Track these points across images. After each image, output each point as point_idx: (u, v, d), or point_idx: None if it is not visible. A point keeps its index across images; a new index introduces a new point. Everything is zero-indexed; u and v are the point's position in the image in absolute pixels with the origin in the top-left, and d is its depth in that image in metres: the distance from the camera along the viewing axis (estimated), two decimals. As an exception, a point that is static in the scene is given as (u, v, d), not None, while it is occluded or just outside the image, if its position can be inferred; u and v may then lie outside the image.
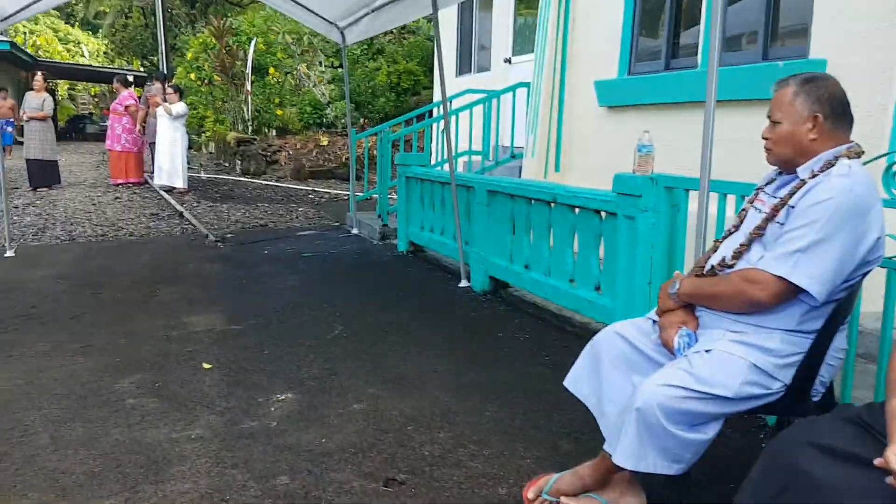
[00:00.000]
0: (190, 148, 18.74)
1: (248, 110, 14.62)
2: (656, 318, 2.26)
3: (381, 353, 3.88)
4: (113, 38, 33.83)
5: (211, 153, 16.32)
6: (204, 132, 17.53)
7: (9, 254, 6.47)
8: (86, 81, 34.73)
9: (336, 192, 11.37)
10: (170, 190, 10.69)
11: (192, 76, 17.01)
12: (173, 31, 27.76)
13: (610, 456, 2.10)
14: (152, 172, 11.32)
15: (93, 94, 40.08)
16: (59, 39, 38.47)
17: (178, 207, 9.25)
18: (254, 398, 3.28)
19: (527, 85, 7.55)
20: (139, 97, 12.21)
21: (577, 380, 2.37)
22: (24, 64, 25.26)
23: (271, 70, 16.40)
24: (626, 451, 1.98)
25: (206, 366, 3.72)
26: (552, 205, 4.29)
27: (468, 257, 5.28)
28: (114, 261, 6.37)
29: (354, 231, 7.87)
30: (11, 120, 14.11)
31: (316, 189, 11.53)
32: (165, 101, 10.92)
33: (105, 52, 36.68)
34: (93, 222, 8.41)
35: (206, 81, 16.43)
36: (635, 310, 3.52)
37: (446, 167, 8.20)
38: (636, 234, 3.53)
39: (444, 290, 5.27)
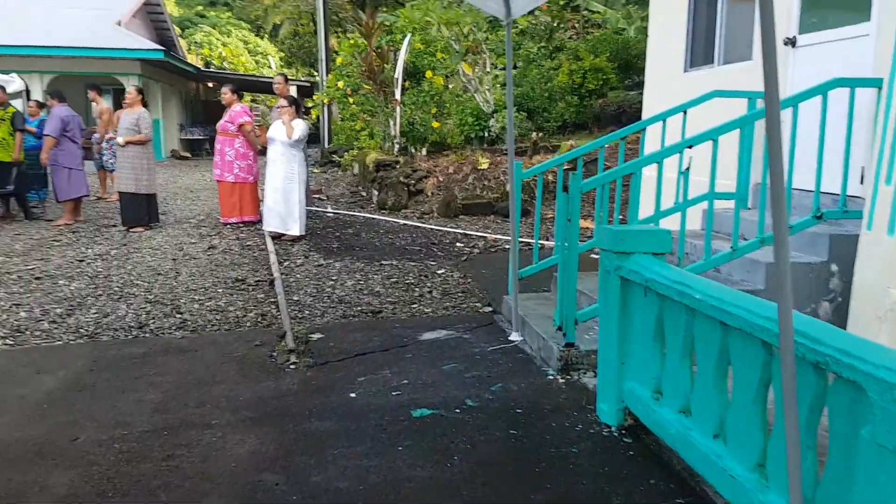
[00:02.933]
0: (336, 167, 16.63)
1: (394, 124, 11.93)
2: None
3: None
4: (282, 47, 33.34)
5: (354, 176, 13.85)
6: (351, 150, 15.21)
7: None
8: (254, 92, 34.46)
9: (495, 236, 8.26)
10: (280, 236, 8.11)
11: (341, 84, 14.73)
12: (340, 36, 26.24)
13: None
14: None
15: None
16: (249, 51, 38.97)
17: (274, 271, 6.57)
18: None
19: (851, 83, 3.96)
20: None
21: None
22: (190, 75, 24.81)
23: (428, 73, 13.69)
24: None
25: None
26: None
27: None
28: (95, 408, 3.66)
29: (514, 337, 4.68)
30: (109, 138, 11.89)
31: (468, 232, 8.48)
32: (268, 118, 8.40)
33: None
34: (149, 296, 5.91)
35: (352, 90, 14.03)
36: None
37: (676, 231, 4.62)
38: None
39: None
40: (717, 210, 5.22)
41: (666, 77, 7.14)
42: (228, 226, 9.06)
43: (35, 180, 10.19)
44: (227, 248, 7.76)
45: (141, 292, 6.00)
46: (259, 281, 6.39)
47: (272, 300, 5.78)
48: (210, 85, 28.69)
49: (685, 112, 5.19)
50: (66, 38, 18.42)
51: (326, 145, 21.45)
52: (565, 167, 5.29)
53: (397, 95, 11.84)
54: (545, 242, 7.84)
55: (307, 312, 5.44)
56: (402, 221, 9.12)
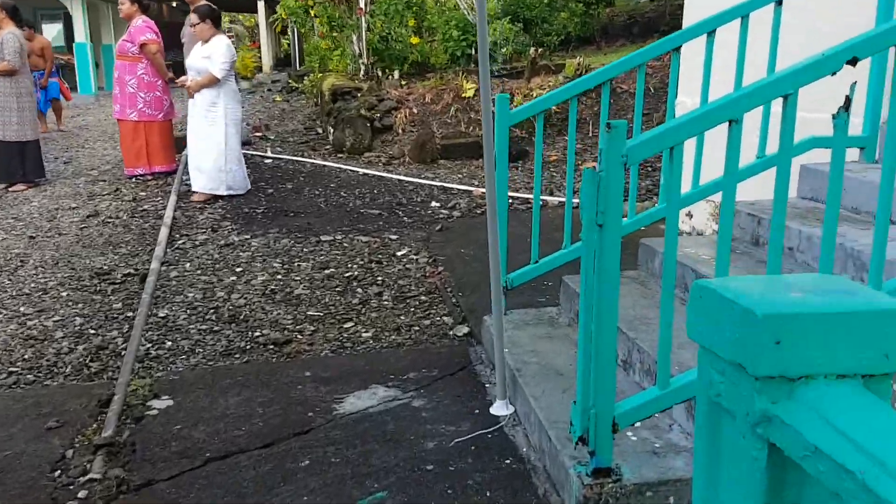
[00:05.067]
0: (302, 95, 14.17)
1: (358, 41, 9.60)
2: None
3: None
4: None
5: (315, 107, 11.54)
6: (310, 76, 12.82)
7: None
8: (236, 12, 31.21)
9: (483, 191, 6.14)
10: (195, 194, 6.02)
11: (295, -6, 12.23)
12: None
13: None
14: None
15: (248, 26, 36.81)
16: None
17: (155, 258, 4.51)
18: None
19: None
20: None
21: None
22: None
23: (404, -24, 11.22)
24: None
25: None
26: None
27: None
28: None
29: (499, 409, 2.66)
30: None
31: (447, 185, 6.36)
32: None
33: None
34: (-43, 304, 3.89)
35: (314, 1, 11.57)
36: None
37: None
38: None
39: None
40: (811, 165, 3.16)
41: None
42: (134, 179, 6.93)
43: None
44: (112, 216, 5.67)
45: (-60, 303, 3.97)
46: (129, 274, 4.34)
47: (129, 314, 3.76)
48: (174, 4, 25.78)
49: (780, 2, 3.06)
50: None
51: (298, 68, 19.03)
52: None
53: (361, 3, 9.47)
54: (548, 199, 5.77)
55: (169, 344, 3.41)
56: (361, 170, 6.96)
